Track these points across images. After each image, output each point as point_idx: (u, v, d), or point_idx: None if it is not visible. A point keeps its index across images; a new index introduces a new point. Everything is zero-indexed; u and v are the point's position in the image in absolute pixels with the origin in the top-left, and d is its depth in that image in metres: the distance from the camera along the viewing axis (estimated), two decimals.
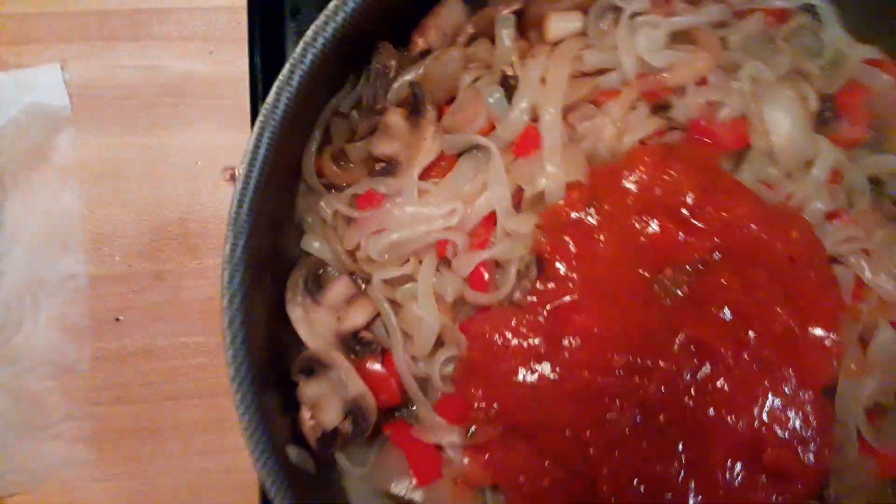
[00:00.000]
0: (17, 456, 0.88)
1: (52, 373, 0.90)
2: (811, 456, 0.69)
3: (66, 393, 0.90)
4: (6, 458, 0.88)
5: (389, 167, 0.70)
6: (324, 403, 0.70)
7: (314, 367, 0.73)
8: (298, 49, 0.66)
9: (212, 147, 0.92)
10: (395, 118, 0.70)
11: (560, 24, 0.74)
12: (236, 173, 0.86)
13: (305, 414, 0.71)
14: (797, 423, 0.69)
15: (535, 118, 0.72)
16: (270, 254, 0.69)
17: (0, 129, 0.90)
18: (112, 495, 0.90)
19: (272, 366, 0.69)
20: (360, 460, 0.74)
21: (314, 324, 0.75)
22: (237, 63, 0.92)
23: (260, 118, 0.65)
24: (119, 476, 0.90)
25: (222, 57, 0.93)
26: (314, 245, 0.76)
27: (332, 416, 0.70)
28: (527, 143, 0.71)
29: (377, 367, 0.74)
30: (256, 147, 0.64)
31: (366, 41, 0.73)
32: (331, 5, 0.67)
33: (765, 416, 0.69)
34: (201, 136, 0.92)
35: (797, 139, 0.72)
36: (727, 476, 0.69)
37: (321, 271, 0.74)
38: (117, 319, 0.90)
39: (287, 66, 0.66)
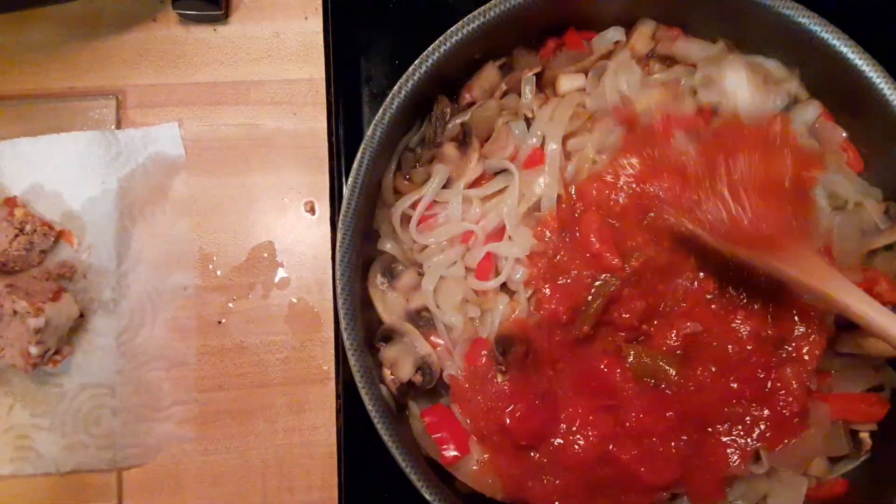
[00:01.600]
0: (135, 434, 1.01)
1: (166, 365, 1.03)
2: None
3: (176, 382, 1.03)
4: (127, 435, 1.01)
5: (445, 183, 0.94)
6: (400, 362, 0.89)
7: (391, 335, 0.91)
8: (379, 113, 0.88)
9: (294, 186, 1.09)
10: (450, 148, 0.94)
11: (567, 82, 0.97)
12: (314, 206, 1.09)
13: (386, 371, 0.89)
14: None
15: (542, 144, 0.94)
16: (362, 249, 0.90)
17: (131, 173, 1.06)
18: (211, 467, 1.02)
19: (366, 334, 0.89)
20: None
21: (389, 303, 0.93)
22: (315, 121, 1.10)
23: (359, 153, 0.87)
24: (217, 451, 1.03)
25: (304, 117, 1.10)
26: (387, 245, 0.95)
27: (406, 371, 0.89)
28: (533, 160, 0.93)
29: (434, 338, 0.92)
30: (357, 171, 0.86)
31: (427, 97, 0.96)
32: (403, 77, 0.89)
33: None
34: (286, 178, 1.09)
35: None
36: None
37: (393, 265, 0.94)
38: (219, 322, 1.05)
39: (376, 118, 0.88)
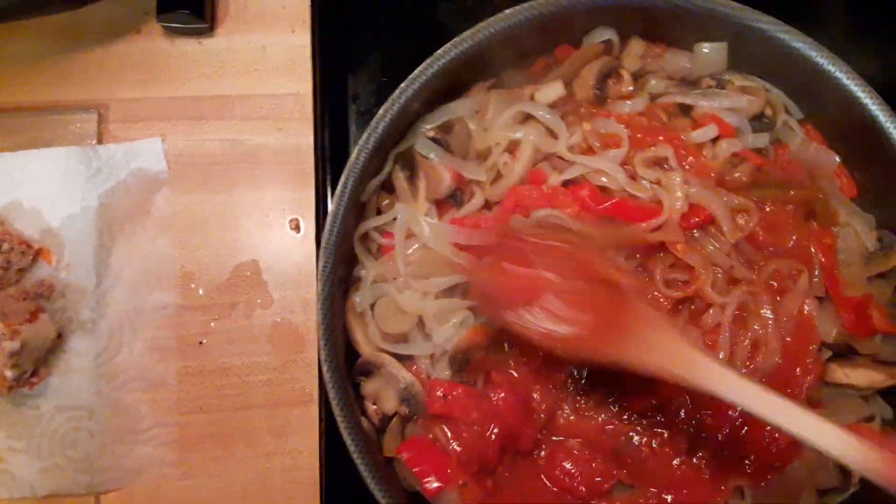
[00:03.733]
0: (113, 457, 0.99)
1: (145, 386, 1.01)
2: None
3: (156, 404, 1.01)
4: (105, 458, 0.99)
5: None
6: (383, 395, 0.88)
7: (370, 369, 0.90)
8: (364, 136, 0.87)
9: (279, 202, 1.06)
10: (400, 181, 0.94)
11: (544, 94, 0.97)
12: (300, 223, 1.07)
13: (369, 405, 0.88)
14: None
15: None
16: (344, 276, 0.89)
17: (112, 189, 1.04)
18: (192, 492, 1.00)
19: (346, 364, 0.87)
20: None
21: (366, 334, 0.92)
22: (301, 137, 1.07)
23: (342, 179, 0.86)
24: (198, 475, 1.00)
25: (289, 132, 1.08)
26: (362, 272, 0.94)
27: (390, 403, 0.87)
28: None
29: (415, 368, 0.91)
30: (340, 198, 0.85)
31: (414, 119, 0.95)
32: (388, 101, 0.88)
33: None
34: (271, 194, 1.06)
35: None
36: None
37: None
38: (200, 343, 1.03)
39: (360, 142, 0.87)
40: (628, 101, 0.95)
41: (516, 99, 0.94)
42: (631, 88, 0.97)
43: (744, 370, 0.87)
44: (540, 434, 0.88)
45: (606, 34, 0.97)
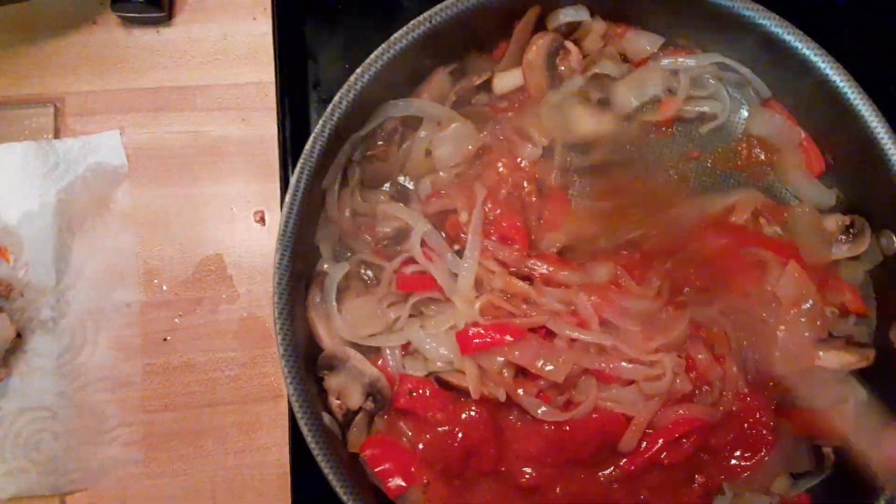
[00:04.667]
0: (78, 458, 0.97)
1: (109, 386, 0.99)
2: None
3: (121, 403, 0.99)
4: (69, 459, 0.97)
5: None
6: (347, 390, 0.86)
7: (333, 363, 0.89)
8: (319, 125, 0.84)
9: (244, 195, 1.04)
10: None
11: (502, 82, 0.96)
12: (265, 216, 1.05)
13: (334, 400, 0.86)
14: None
15: None
16: (304, 270, 0.87)
17: (70, 185, 1.01)
18: (159, 490, 0.98)
19: (309, 358, 0.85)
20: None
21: (329, 328, 0.89)
22: (265, 127, 1.05)
23: (297, 169, 0.83)
24: (165, 474, 0.99)
25: (253, 123, 1.06)
26: (325, 266, 0.92)
27: (355, 399, 0.85)
28: None
29: (380, 363, 0.89)
30: (296, 189, 0.82)
31: (373, 107, 0.92)
32: (343, 87, 0.85)
33: None
34: (235, 187, 1.05)
35: None
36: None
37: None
38: (165, 339, 1.01)
39: (315, 131, 0.84)
40: None
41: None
42: (581, 62, 0.95)
43: None
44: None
45: (571, 15, 0.94)
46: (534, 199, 0.92)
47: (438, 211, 0.90)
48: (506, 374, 0.84)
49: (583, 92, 0.94)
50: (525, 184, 0.92)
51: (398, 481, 0.83)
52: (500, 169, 0.92)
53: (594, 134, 0.96)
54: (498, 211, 0.90)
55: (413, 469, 0.86)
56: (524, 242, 0.89)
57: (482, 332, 0.83)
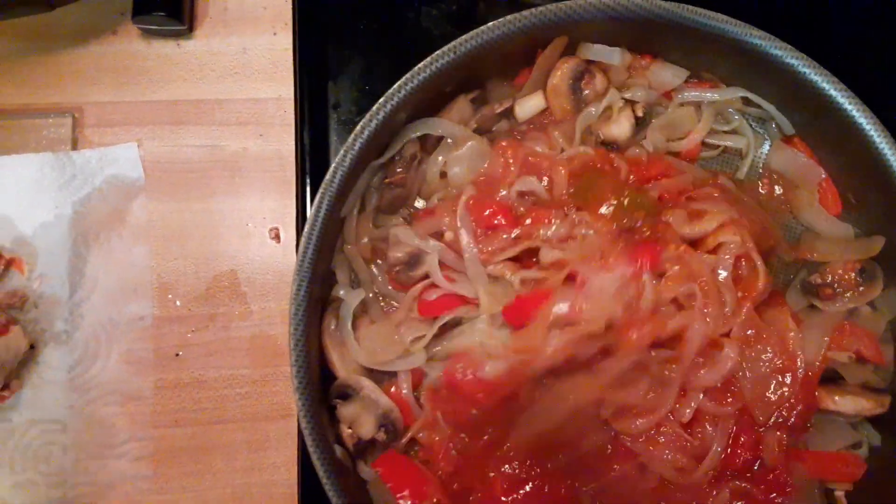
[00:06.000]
0: (87, 472, 0.97)
1: (120, 400, 0.99)
2: None
3: (131, 417, 0.99)
4: (78, 473, 0.97)
5: None
6: (360, 420, 0.85)
7: (347, 392, 0.88)
8: (340, 154, 0.83)
9: (260, 211, 1.04)
10: None
11: (523, 108, 0.96)
12: (280, 233, 1.05)
13: (345, 429, 0.86)
14: None
15: None
16: (321, 296, 0.86)
17: (86, 196, 1.01)
18: None
19: (322, 387, 0.85)
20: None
21: (344, 355, 0.89)
22: (282, 143, 1.05)
23: (318, 198, 0.83)
24: (173, 490, 0.98)
25: (270, 138, 1.05)
26: (340, 292, 0.92)
27: (367, 428, 0.84)
28: None
29: (393, 389, 0.89)
30: (315, 218, 0.82)
31: (397, 130, 0.91)
32: (366, 116, 0.84)
33: None
34: (251, 202, 1.04)
35: None
36: None
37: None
38: (177, 355, 1.01)
39: (336, 160, 0.83)
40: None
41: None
42: (606, 87, 0.95)
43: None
44: None
45: (601, 55, 0.94)
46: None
47: (431, 231, 0.90)
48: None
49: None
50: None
51: (409, 499, 0.83)
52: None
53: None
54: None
55: (425, 488, 0.86)
56: (509, 217, 0.88)
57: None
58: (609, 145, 0.96)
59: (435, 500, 0.86)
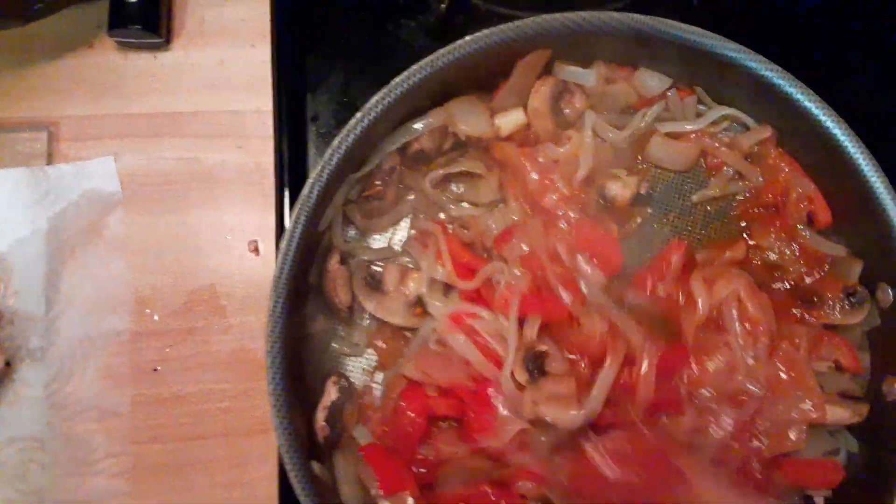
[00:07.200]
0: (65, 489, 0.96)
1: (97, 416, 0.97)
2: None
3: (109, 434, 0.97)
4: (56, 490, 0.95)
5: None
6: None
7: None
8: (317, 169, 0.83)
9: (239, 224, 1.03)
10: None
11: (504, 121, 0.96)
12: (259, 246, 1.04)
13: (320, 415, 0.85)
14: None
15: None
16: (298, 312, 0.86)
17: (62, 211, 1.00)
18: None
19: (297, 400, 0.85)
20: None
21: (389, 308, 0.91)
22: (262, 155, 1.04)
23: (293, 216, 0.83)
24: None
25: (249, 150, 1.04)
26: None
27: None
28: None
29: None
30: (291, 236, 0.81)
31: (371, 147, 0.92)
32: (343, 131, 0.84)
33: None
34: (229, 216, 1.03)
35: None
36: None
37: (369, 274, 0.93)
38: (155, 370, 0.99)
39: (313, 175, 0.83)
40: None
41: None
42: (585, 104, 0.95)
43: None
44: None
45: (575, 76, 0.94)
46: None
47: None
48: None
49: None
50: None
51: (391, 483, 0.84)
52: None
53: None
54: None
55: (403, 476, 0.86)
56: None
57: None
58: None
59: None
